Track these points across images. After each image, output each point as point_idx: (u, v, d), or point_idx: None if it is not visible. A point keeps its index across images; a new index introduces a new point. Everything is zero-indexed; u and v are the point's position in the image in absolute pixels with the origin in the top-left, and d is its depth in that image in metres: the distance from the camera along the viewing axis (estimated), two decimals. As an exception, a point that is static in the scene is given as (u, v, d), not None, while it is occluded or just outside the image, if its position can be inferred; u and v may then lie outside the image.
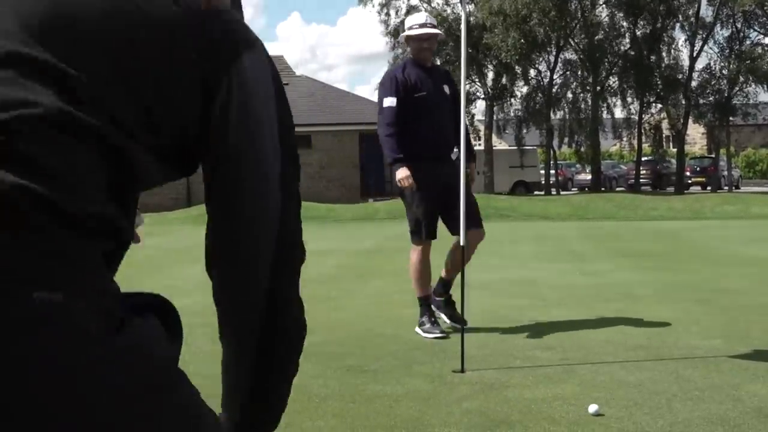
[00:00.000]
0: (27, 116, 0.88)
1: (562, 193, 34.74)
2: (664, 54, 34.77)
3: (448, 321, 5.50)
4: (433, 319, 5.46)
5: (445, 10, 33.32)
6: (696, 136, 51.73)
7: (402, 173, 5.22)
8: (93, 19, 0.96)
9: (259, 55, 1.08)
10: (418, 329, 5.45)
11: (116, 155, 0.95)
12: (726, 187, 36.06)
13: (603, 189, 35.86)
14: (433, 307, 5.53)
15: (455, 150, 5.32)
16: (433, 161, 5.31)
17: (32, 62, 0.91)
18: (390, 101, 5.34)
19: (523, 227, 16.40)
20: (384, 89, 5.46)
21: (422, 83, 5.41)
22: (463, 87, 4.94)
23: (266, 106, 1.08)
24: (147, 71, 0.97)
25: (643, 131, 36.51)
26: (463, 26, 4.84)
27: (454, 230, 5.41)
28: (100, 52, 0.95)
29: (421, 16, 5.64)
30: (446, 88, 5.54)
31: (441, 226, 5.52)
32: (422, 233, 5.44)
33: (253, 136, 1.06)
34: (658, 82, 34.30)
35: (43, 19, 0.94)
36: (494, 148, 34.68)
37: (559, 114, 36.98)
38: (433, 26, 5.51)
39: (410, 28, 5.51)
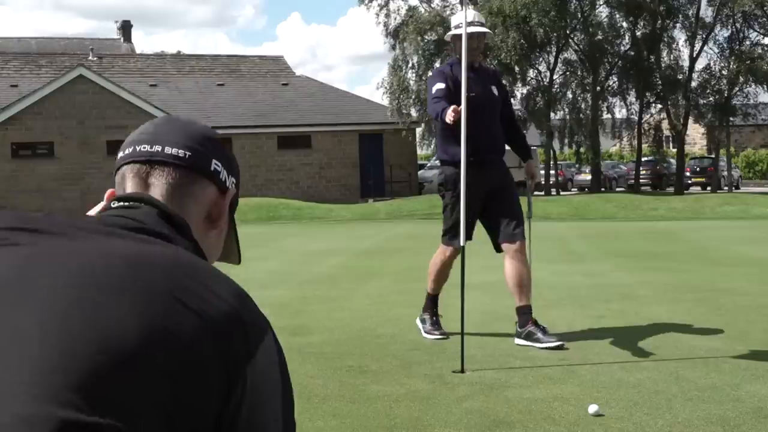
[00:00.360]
0: None
1: (562, 193, 34.75)
2: (664, 54, 34.78)
3: (551, 343, 4.97)
4: (434, 319, 5.40)
5: (445, 11, 33.29)
6: (696, 136, 51.71)
7: (449, 110, 4.80)
8: (133, 354, 0.96)
9: (269, 343, 1.10)
10: (418, 322, 5.43)
11: None
12: (726, 188, 36.05)
13: (603, 189, 35.86)
14: (522, 341, 5.11)
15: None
16: (480, 166, 5.09)
17: (82, 429, 0.91)
18: (439, 84, 5.15)
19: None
20: (433, 80, 5.30)
21: (470, 84, 5.13)
22: (464, 88, 4.79)
23: (273, 396, 1.11)
24: (179, 394, 0.98)
25: (643, 131, 36.52)
26: (464, 26, 4.81)
27: (498, 240, 5.23)
28: (139, 390, 0.95)
29: (468, 14, 5.30)
30: (495, 90, 5.34)
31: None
32: (457, 239, 5.16)
33: None
34: (658, 83, 34.29)
35: (89, 367, 0.93)
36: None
37: (559, 114, 36.97)
38: (482, 24, 5.27)
39: (457, 26, 5.27)
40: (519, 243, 5.20)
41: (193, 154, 1.22)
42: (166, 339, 0.99)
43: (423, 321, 5.43)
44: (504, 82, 5.55)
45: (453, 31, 5.36)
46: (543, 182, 35.20)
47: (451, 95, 5.10)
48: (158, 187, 1.20)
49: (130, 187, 1.21)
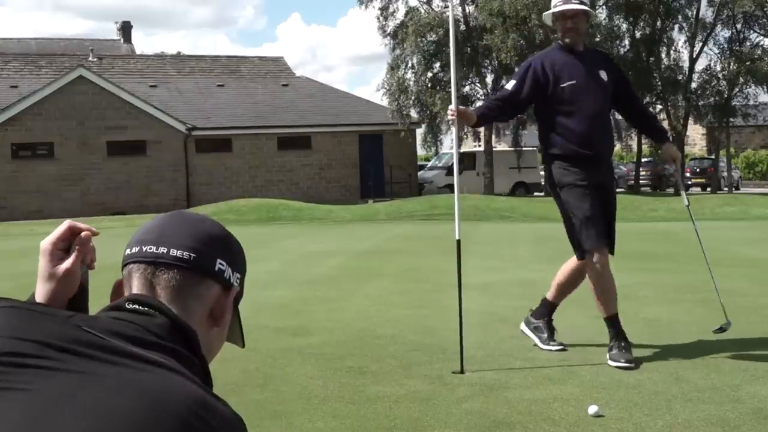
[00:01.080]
0: None
1: (561, 194, 34.71)
2: (663, 55, 34.79)
3: (553, 347, 4.88)
4: (623, 344, 4.60)
5: (444, 12, 33.30)
6: (696, 137, 51.72)
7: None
8: None
9: None
10: (610, 361, 4.54)
11: None
12: (726, 188, 36.08)
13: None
14: (526, 329, 5.01)
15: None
16: (587, 161, 4.66)
17: None
18: (509, 84, 4.81)
19: (523, 228, 16.40)
20: (515, 74, 4.92)
21: (570, 71, 4.69)
22: (454, 91, 4.74)
23: None
24: None
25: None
26: (451, 26, 4.78)
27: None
28: None
29: None
30: (603, 75, 4.78)
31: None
32: (594, 238, 4.63)
33: None
34: (658, 83, 34.31)
35: None
36: (494, 149, 34.71)
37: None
38: (581, 2, 4.71)
39: (555, 5, 4.77)
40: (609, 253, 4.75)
41: (198, 255, 1.25)
42: None
43: (610, 349, 4.63)
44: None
45: (550, 10, 4.81)
46: (543, 183, 35.22)
47: (528, 89, 4.71)
48: (163, 289, 1.24)
49: (136, 287, 1.25)
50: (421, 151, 36.16)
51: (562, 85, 4.68)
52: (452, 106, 4.67)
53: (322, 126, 31.14)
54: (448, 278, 8.17)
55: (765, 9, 32.54)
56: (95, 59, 34.76)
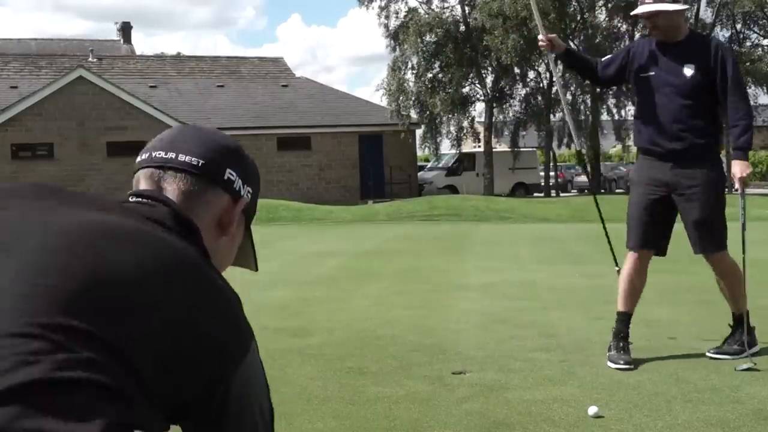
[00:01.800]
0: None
1: (561, 194, 34.75)
2: (663, 55, 34.82)
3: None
4: (621, 344, 4.54)
5: (444, 12, 33.31)
6: (695, 137, 51.71)
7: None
8: (124, 290, 1.00)
9: (255, 354, 1.15)
10: (608, 362, 4.48)
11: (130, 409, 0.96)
12: (726, 189, 36.07)
13: (603, 191, 35.87)
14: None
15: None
16: (657, 157, 4.52)
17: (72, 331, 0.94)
18: (608, 56, 4.94)
19: (523, 229, 16.40)
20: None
21: (652, 61, 4.54)
22: (558, 83, 4.77)
23: (260, 397, 1.16)
24: (172, 339, 1.01)
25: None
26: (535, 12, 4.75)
27: (694, 247, 4.73)
28: (130, 318, 0.99)
29: None
30: (688, 68, 4.45)
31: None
32: (630, 239, 4.67)
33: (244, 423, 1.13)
34: (658, 84, 34.32)
35: (83, 294, 0.97)
36: (494, 150, 34.72)
37: (558, 115, 37.03)
38: (657, 0, 4.42)
39: (641, 2, 4.58)
40: (707, 257, 4.71)
41: (207, 162, 1.25)
42: (165, 274, 1.04)
43: (609, 349, 4.57)
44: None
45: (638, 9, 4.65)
46: (542, 184, 35.23)
47: (615, 67, 4.73)
48: (170, 192, 1.23)
49: (143, 186, 1.26)
50: (420, 152, 36.18)
51: (642, 75, 4.59)
52: (541, 36, 4.76)
53: (321, 126, 31.16)
54: (448, 278, 8.17)
55: (765, 9, 32.54)
56: (95, 60, 34.78)
